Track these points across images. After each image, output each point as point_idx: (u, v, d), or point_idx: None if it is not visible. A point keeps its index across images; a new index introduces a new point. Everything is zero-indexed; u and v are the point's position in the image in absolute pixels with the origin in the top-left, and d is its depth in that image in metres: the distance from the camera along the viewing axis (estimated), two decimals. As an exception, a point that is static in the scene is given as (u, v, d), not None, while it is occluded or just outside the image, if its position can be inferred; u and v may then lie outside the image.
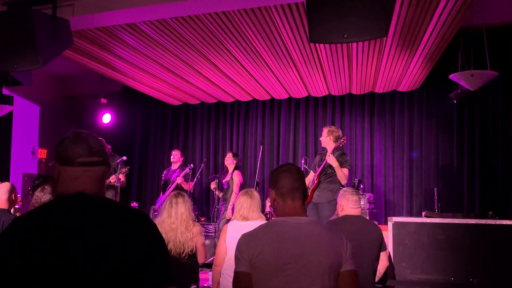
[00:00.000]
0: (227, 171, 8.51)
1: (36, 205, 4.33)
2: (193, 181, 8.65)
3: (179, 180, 8.33)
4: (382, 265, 4.57)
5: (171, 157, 8.93)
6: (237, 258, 2.38)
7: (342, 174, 6.57)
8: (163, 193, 8.64)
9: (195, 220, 4.55)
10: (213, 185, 8.60)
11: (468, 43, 5.24)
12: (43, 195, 4.34)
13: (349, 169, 6.76)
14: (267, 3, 5.28)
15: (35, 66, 5.11)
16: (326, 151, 6.86)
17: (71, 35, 5.48)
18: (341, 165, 6.62)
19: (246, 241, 2.39)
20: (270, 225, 2.47)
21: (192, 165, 8.78)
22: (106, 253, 1.63)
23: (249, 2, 5.22)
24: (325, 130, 6.90)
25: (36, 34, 5.00)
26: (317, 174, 6.75)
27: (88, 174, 1.78)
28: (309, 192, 6.74)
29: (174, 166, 8.84)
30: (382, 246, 4.52)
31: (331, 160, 6.54)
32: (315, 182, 6.73)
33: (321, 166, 6.71)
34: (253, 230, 2.47)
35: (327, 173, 6.71)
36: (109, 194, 5.39)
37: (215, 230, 8.17)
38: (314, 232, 2.40)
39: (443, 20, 5.67)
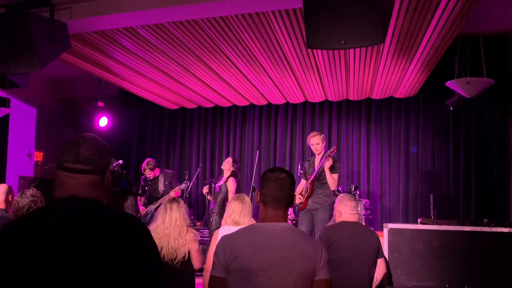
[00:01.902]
0: (221, 174, 8.43)
1: (14, 209, 4.37)
2: (185, 189, 8.51)
3: (173, 193, 8.00)
4: (379, 272, 4.55)
5: (148, 173, 8.44)
6: (213, 262, 2.43)
7: (332, 180, 6.64)
8: (147, 204, 8.35)
9: (189, 226, 4.53)
10: (205, 190, 8.49)
11: (465, 51, 5.26)
12: (21, 200, 4.36)
13: (339, 174, 6.88)
14: (265, 8, 5.29)
15: (32, 68, 5.11)
16: (314, 158, 7.01)
17: (68, 38, 5.49)
18: (333, 169, 6.69)
19: (222, 245, 2.44)
20: (248, 230, 2.50)
21: (189, 183, 8.52)
22: (92, 258, 1.61)
23: (247, 7, 5.23)
24: (317, 138, 6.92)
25: (33, 37, 5.00)
26: (310, 181, 6.78)
27: (72, 180, 1.77)
28: (304, 200, 6.79)
29: (150, 176, 8.47)
30: (379, 253, 4.51)
31: (327, 163, 6.61)
32: (309, 190, 6.76)
33: (315, 173, 6.75)
34: (231, 234, 2.51)
35: (320, 178, 6.76)
36: (128, 202, 5.38)
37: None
38: (290, 240, 2.44)
39: (440, 28, 5.69)
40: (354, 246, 4.33)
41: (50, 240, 1.63)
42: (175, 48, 6.73)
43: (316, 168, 6.79)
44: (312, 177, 6.77)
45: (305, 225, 6.79)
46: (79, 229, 1.66)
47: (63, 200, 1.75)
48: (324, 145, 6.97)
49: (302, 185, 7.08)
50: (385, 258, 4.86)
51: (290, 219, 7.72)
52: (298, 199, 6.95)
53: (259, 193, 2.56)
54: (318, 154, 6.92)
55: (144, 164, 8.48)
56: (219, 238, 4.42)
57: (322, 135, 7.00)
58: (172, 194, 8.02)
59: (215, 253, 2.44)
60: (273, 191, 2.51)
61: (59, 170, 1.79)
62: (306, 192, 6.79)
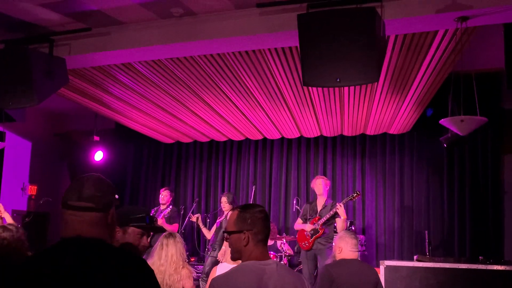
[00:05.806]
0: (217, 209, 8.43)
1: None
2: (178, 222, 8.49)
3: (159, 221, 7.81)
4: None
5: (160, 197, 8.55)
6: None
7: (342, 226, 7.01)
8: None
9: (186, 261, 4.48)
10: (193, 218, 8.47)
11: (458, 88, 5.33)
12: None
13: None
14: (262, 46, 5.38)
15: (30, 103, 5.14)
16: (316, 201, 7.42)
17: (66, 73, 5.53)
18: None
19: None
20: (244, 270, 2.44)
21: (181, 206, 8.60)
22: None
23: (244, 45, 5.31)
24: (324, 180, 7.46)
25: (32, 72, 5.04)
26: (321, 224, 7.12)
27: (76, 218, 1.80)
28: (311, 240, 6.99)
29: (162, 207, 8.50)
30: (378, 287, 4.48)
31: (341, 211, 6.99)
32: (320, 232, 7.10)
33: (326, 217, 7.11)
34: (224, 275, 2.43)
35: (327, 222, 7.11)
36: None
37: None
38: (284, 276, 2.46)
39: (433, 66, 5.79)
40: (355, 283, 4.32)
41: (52, 283, 1.64)
42: (172, 83, 6.79)
43: (326, 214, 7.13)
44: (324, 219, 7.10)
45: (310, 265, 7.00)
46: (81, 271, 1.66)
47: (67, 241, 1.77)
48: (327, 189, 7.49)
49: (299, 226, 7.32)
50: None
51: (286, 255, 7.69)
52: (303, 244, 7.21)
53: (249, 233, 2.46)
54: (320, 195, 7.35)
55: (162, 191, 8.66)
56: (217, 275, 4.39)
57: (327, 179, 7.56)
58: (159, 221, 7.78)
59: None
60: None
61: (64, 209, 1.82)
62: (316, 234, 7.07)
